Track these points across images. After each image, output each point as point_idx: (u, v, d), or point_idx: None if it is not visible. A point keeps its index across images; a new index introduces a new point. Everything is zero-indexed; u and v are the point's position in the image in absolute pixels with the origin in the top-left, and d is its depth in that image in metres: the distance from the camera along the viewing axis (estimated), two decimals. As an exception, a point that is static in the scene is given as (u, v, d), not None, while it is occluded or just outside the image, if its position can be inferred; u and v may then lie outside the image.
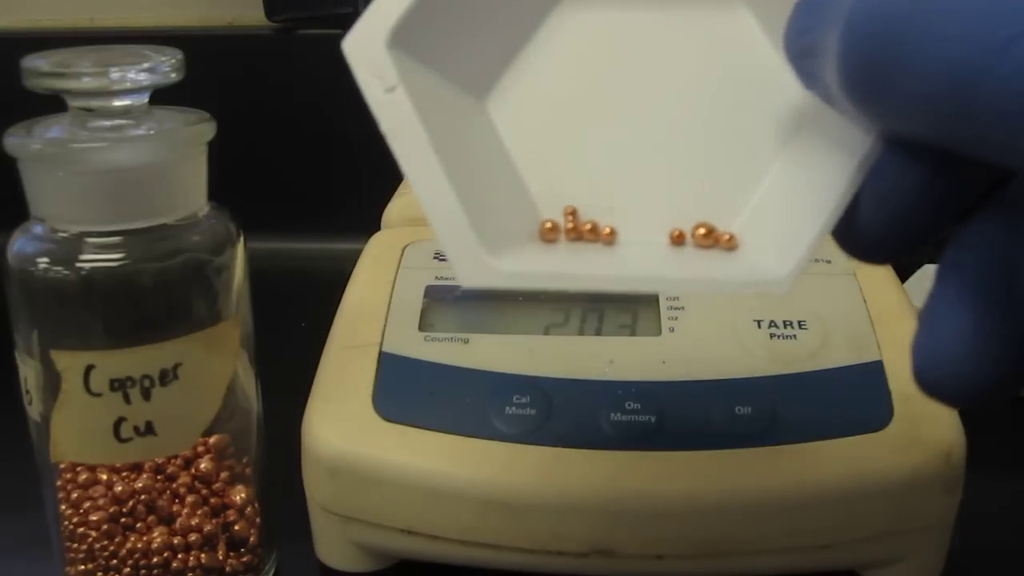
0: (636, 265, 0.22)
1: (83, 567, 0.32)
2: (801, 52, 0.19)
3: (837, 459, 0.31)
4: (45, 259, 0.29)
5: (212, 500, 0.33)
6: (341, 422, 0.33)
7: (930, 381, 0.19)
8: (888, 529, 0.32)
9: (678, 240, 0.22)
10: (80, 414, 0.29)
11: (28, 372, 0.30)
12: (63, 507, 0.32)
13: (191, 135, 0.29)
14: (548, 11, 0.24)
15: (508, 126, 0.24)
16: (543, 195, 0.23)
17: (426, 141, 0.21)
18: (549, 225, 0.22)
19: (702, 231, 0.22)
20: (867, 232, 0.20)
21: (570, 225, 0.22)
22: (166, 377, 0.29)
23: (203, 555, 0.32)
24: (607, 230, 0.22)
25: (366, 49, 0.21)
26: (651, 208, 0.23)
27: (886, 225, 0.19)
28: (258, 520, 0.34)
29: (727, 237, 0.22)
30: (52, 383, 0.29)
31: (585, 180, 0.23)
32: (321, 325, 0.37)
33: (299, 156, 0.64)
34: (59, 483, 0.32)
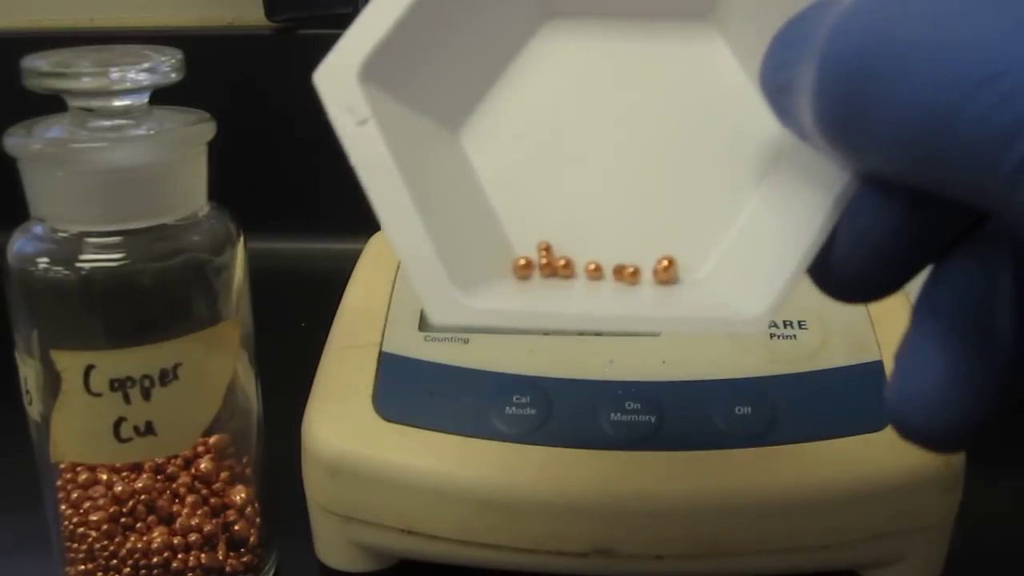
0: (611, 303, 0.21)
1: (83, 567, 0.32)
2: (777, 88, 0.19)
3: (837, 459, 0.31)
4: (45, 259, 0.29)
5: (212, 500, 0.33)
6: (341, 422, 0.33)
7: (906, 426, 0.19)
8: (888, 529, 0.32)
9: (650, 276, 0.22)
10: (80, 414, 0.29)
11: (28, 372, 0.30)
12: (63, 507, 0.32)
13: (191, 135, 0.29)
14: (523, 43, 0.24)
15: (482, 159, 0.23)
16: (517, 229, 0.23)
17: (397, 176, 0.20)
18: (523, 262, 0.22)
19: (663, 264, 0.22)
20: (844, 271, 0.19)
21: (544, 261, 0.22)
22: (166, 377, 0.29)
23: (203, 555, 0.32)
24: (591, 266, 0.22)
25: (337, 82, 0.21)
26: (627, 242, 0.23)
27: (863, 264, 0.19)
28: (258, 520, 0.34)
29: (692, 274, 0.22)
30: (52, 383, 0.29)
31: (560, 213, 0.23)
32: (321, 325, 0.37)
33: (299, 156, 0.64)
34: (59, 483, 0.32)
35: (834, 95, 0.16)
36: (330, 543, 0.34)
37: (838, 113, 0.16)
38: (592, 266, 0.22)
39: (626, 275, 0.22)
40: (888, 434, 0.31)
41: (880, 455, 0.31)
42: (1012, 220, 0.14)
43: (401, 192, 0.20)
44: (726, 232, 0.22)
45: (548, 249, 0.22)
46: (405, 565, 0.34)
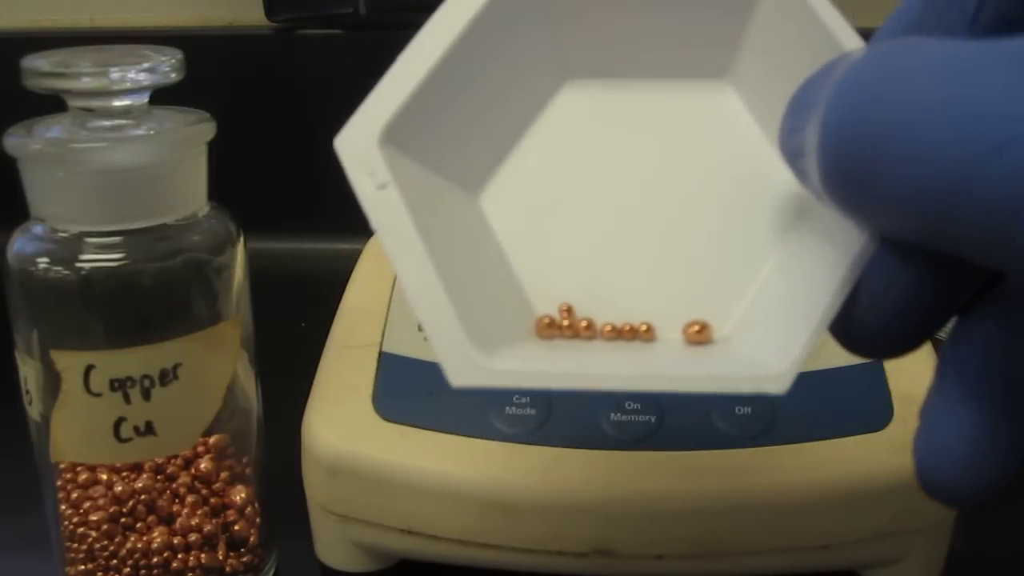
0: (634, 362, 0.21)
1: (83, 567, 0.32)
2: (792, 152, 0.18)
3: (837, 459, 0.31)
4: (45, 259, 0.29)
5: (212, 500, 0.33)
6: (341, 422, 0.33)
7: (935, 484, 0.18)
8: (888, 529, 0.32)
9: (675, 337, 0.22)
10: (80, 414, 0.29)
11: (28, 372, 0.30)
12: (63, 507, 0.32)
13: (191, 135, 0.29)
14: (542, 106, 0.24)
15: (502, 221, 0.23)
16: (538, 291, 0.23)
17: (416, 238, 0.20)
18: (547, 320, 0.22)
19: (695, 328, 0.22)
20: (865, 328, 0.19)
21: (566, 323, 0.22)
22: (166, 377, 0.29)
23: (203, 555, 0.32)
24: (606, 327, 0.22)
25: (358, 146, 0.21)
26: (647, 303, 0.23)
27: (882, 322, 0.18)
28: (258, 520, 0.34)
29: (718, 336, 0.22)
30: (52, 383, 0.29)
31: (580, 274, 0.23)
32: (321, 325, 0.37)
33: (299, 156, 0.64)
34: (59, 483, 0.32)
35: (836, 163, 0.16)
36: (330, 543, 0.34)
37: (842, 181, 0.16)
38: (609, 327, 0.22)
39: (641, 333, 0.22)
40: (888, 434, 0.31)
41: (880, 455, 0.31)
42: None
43: (420, 254, 0.20)
44: (747, 290, 0.22)
45: (569, 311, 0.22)
46: (405, 565, 0.35)
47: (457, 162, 0.23)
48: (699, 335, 0.22)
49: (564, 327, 0.22)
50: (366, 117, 0.21)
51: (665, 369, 0.21)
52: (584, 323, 0.22)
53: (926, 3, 0.19)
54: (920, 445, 0.18)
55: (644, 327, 0.22)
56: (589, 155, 0.24)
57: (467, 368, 0.20)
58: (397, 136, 0.21)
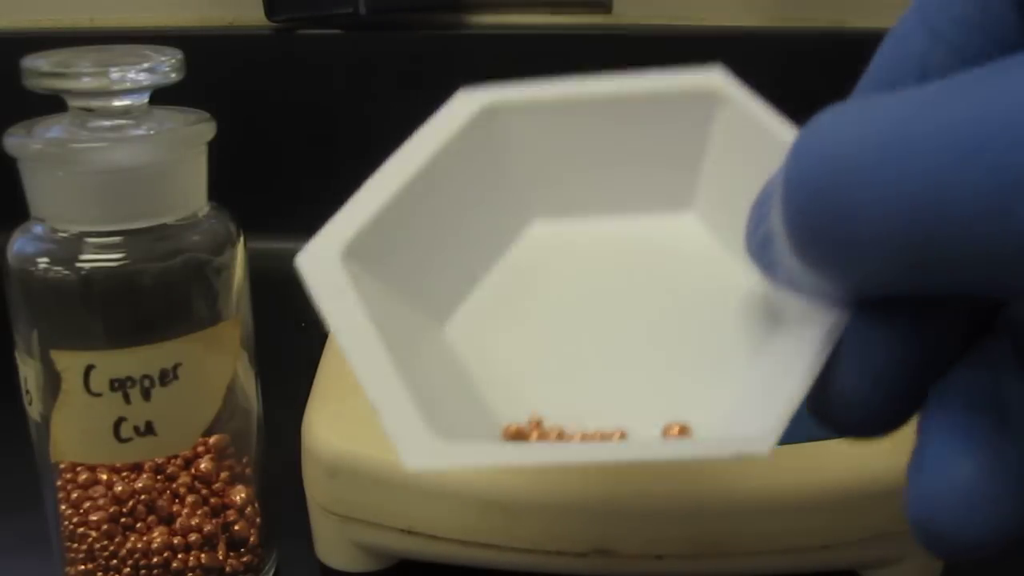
0: (606, 446, 0.21)
1: (83, 567, 0.32)
2: (759, 246, 0.18)
3: (837, 459, 0.31)
4: (45, 259, 0.29)
5: (212, 500, 0.33)
6: (341, 422, 0.33)
7: (934, 534, 0.17)
8: (888, 530, 0.32)
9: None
10: (80, 414, 0.29)
11: (28, 372, 0.30)
12: (63, 507, 0.32)
13: (191, 135, 0.29)
14: (511, 241, 0.25)
15: (467, 344, 0.23)
16: (506, 411, 0.22)
17: (375, 336, 0.20)
18: (514, 428, 0.21)
19: (675, 430, 0.21)
20: (849, 407, 0.18)
21: (535, 434, 0.21)
22: (166, 377, 0.29)
23: (203, 555, 0.32)
24: (576, 436, 0.22)
25: (319, 260, 0.21)
26: (618, 416, 0.22)
27: (865, 393, 0.18)
28: (258, 520, 0.34)
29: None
30: (52, 383, 0.29)
31: (550, 395, 0.22)
32: (321, 325, 0.37)
33: (299, 156, 0.64)
34: (59, 483, 0.32)
35: (805, 217, 0.15)
36: (330, 543, 0.34)
37: (811, 237, 0.15)
38: (580, 436, 0.22)
39: (615, 439, 0.22)
40: (888, 434, 0.31)
41: (880, 455, 0.31)
42: None
43: (382, 358, 0.20)
44: (720, 400, 0.22)
45: (539, 424, 0.22)
46: (405, 565, 0.35)
47: (423, 289, 0.23)
48: (679, 436, 0.21)
49: (533, 437, 0.21)
50: (328, 235, 0.22)
51: (643, 444, 0.20)
52: (556, 433, 0.21)
53: (879, 76, 0.19)
54: (913, 497, 0.18)
55: (618, 434, 0.21)
56: (557, 285, 0.24)
57: (424, 450, 0.19)
58: (361, 255, 0.22)
